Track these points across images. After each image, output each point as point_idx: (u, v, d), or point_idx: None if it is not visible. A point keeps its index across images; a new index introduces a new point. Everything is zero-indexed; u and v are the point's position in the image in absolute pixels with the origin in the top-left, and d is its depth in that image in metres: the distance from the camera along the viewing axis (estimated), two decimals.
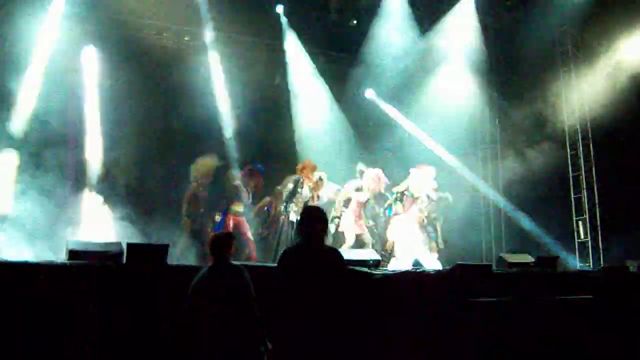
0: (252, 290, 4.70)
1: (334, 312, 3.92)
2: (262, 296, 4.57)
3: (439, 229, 10.18)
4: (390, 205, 10.02)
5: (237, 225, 9.27)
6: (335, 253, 4.30)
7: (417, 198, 9.77)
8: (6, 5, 9.92)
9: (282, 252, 4.32)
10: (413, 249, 9.16)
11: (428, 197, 9.88)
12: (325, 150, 11.84)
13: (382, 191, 10.00)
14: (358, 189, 9.81)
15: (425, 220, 9.83)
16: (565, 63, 12.02)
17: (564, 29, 12.05)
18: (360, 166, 10.26)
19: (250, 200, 9.63)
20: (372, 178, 9.77)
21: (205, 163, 9.74)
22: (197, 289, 4.73)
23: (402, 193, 9.88)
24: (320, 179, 9.49)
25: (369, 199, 9.80)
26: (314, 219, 4.25)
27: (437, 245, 10.03)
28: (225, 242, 4.99)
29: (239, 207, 9.39)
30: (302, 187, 9.31)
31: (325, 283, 3.98)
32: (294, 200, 9.24)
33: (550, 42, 12.24)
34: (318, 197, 9.47)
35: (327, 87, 12.98)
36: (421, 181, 9.86)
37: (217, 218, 9.37)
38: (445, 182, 10.77)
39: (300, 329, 3.88)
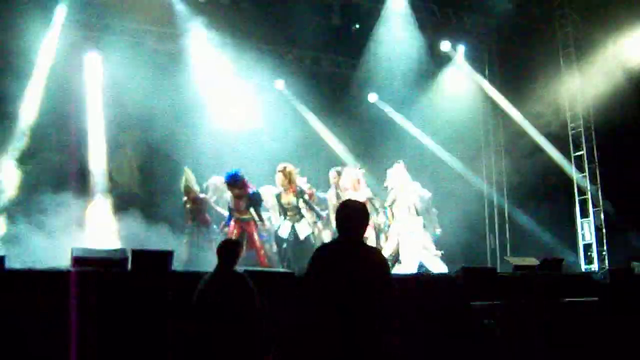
0: (256, 299, 4.63)
1: (375, 319, 3.51)
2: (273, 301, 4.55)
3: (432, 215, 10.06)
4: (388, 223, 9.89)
5: (243, 231, 9.01)
6: (378, 252, 3.90)
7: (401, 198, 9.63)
8: (9, 13, 9.93)
9: (318, 247, 3.90)
10: (417, 250, 9.11)
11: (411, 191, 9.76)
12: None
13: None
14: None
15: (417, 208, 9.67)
16: (568, 64, 12.01)
17: (567, 30, 12.05)
18: (334, 172, 10.16)
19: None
20: (349, 178, 9.66)
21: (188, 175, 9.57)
22: (200, 297, 4.69)
23: (392, 203, 9.75)
24: (285, 169, 9.19)
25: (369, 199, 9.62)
26: (355, 212, 3.75)
27: (435, 230, 9.94)
28: (232, 249, 4.95)
29: (244, 214, 9.10)
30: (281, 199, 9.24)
31: (366, 285, 3.53)
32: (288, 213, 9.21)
33: (553, 42, 12.23)
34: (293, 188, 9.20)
35: None
36: (401, 181, 9.72)
37: (225, 229, 9.31)
38: (449, 184, 10.76)
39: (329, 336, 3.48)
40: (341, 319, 3.43)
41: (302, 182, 9.55)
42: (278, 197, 9.29)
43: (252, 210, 9.04)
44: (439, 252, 9.55)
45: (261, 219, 9.16)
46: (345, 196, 9.63)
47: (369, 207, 9.26)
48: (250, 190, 9.07)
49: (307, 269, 3.70)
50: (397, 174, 9.67)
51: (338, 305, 3.46)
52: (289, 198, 9.21)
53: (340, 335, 3.42)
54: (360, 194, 9.42)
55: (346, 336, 3.42)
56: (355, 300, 3.46)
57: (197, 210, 9.37)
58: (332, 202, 9.91)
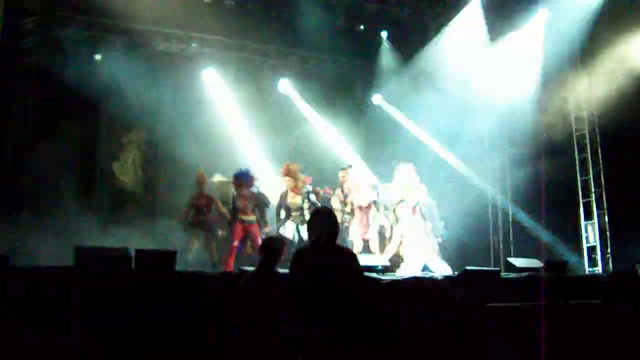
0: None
1: (351, 316, 3.75)
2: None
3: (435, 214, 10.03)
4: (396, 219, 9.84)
5: (248, 233, 8.95)
6: (350, 252, 4.19)
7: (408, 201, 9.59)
8: None
9: (294, 254, 4.14)
10: (421, 252, 9.09)
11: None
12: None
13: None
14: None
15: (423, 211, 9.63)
16: (573, 66, 11.97)
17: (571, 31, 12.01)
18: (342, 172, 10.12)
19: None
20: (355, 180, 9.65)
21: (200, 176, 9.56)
22: (242, 296, 4.63)
23: (399, 202, 9.70)
24: (288, 168, 9.17)
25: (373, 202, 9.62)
26: (324, 218, 4.08)
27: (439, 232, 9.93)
28: (275, 248, 4.85)
29: (247, 216, 8.99)
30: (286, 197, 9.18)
31: (342, 284, 3.81)
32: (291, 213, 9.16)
33: (558, 44, 12.20)
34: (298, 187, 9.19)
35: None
36: (409, 182, 9.66)
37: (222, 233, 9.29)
38: (452, 186, 10.74)
39: (315, 334, 3.72)
40: (320, 319, 3.68)
41: (307, 181, 9.54)
42: (283, 196, 9.23)
43: (257, 211, 9.01)
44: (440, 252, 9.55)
45: (265, 222, 9.13)
46: (349, 197, 9.63)
47: (372, 210, 9.39)
48: (256, 190, 9.06)
49: (289, 272, 3.99)
50: (406, 174, 9.61)
51: (315, 305, 3.71)
52: (295, 199, 9.17)
53: (322, 333, 3.66)
54: (363, 197, 9.42)
55: (328, 335, 3.65)
56: (331, 299, 3.71)
57: (206, 210, 9.33)
58: (339, 199, 9.89)
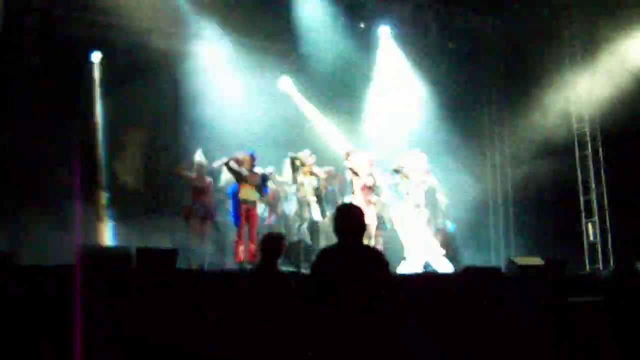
0: (296, 300, 4.39)
1: (379, 321, 3.59)
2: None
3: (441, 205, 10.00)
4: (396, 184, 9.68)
5: (247, 217, 8.75)
6: (377, 252, 4.02)
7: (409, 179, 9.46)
8: None
9: (319, 252, 3.96)
10: (423, 248, 9.08)
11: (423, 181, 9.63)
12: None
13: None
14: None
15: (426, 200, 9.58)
16: (574, 64, 11.97)
17: (573, 30, 12.01)
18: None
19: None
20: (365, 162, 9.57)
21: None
22: (246, 295, 4.59)
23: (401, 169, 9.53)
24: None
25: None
26: (350, 215, 3.87)
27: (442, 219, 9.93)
28: (275, 245, 4.77)
29: (248, 195, 8.79)
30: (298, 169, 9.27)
31: (370, 286, 3.64)
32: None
33: (559, 42, 12.20)
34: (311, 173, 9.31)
35: None
36: (415, 164, 9.58)
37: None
38: (453, 184, 10.73)
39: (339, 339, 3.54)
40: (345, 319, 3.51)
41: (320, 172, 9.60)
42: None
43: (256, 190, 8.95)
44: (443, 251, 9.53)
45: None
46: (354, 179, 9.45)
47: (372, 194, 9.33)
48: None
49: (310, 272, 3.81)
50: (417, 161, 9.52)
51: (341, 305, 3.54)
52: (310, 179, 9.27)
53: (345, 334, 3.49)
54: (368, 178, 9.30)
55: (351, 335, 3.48)
56: (358, 301, 3.55)
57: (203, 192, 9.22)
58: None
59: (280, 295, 4.48)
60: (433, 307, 6.27)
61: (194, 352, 5.30)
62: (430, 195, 9.60)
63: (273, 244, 4.77)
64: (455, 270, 8.57)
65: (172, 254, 5.98)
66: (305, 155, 9.43)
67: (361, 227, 3.85)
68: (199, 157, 9.41)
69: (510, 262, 7.83)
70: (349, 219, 3.83)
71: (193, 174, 9.15)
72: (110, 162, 11.11)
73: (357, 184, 9.30)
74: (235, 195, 8.89)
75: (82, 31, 10.90)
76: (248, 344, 4.46)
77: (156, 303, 5.41)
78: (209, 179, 9.29)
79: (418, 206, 9.30)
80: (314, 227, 9.37)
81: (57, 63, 10.20)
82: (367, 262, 3.72)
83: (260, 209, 9.59)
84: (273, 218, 9.92)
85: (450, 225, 10.30)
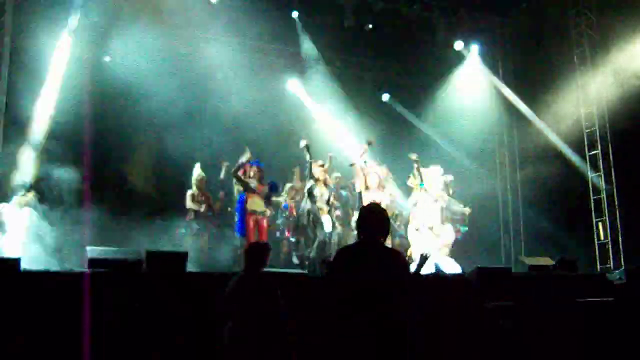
0: (281, 304, 4.59)
1: (397, 319, 3.63)
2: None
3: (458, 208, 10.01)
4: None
5: (257, 227, 8.78)
6: (397, 253, 4.05)
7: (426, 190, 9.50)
8: (24, 20, 10.02)
9: (338, 250, 4.05)
10: (433, 250, 9.06)
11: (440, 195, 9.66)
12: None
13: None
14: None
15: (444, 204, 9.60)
16: (582, 63, 11.91)
17: (581, 29, 11.96)
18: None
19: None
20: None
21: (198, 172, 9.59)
22: (230, 299, 4.64)
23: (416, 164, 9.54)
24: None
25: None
26: (374, 216, 3.92)
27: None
28: (260, 253, 4.89)
29: (256, 205, 8.85)
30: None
31: (387, 284, 3.66)
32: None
33: (568, 42, 12.15)
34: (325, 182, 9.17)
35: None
36: (433, 177, 9.62)
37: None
38: (463, 184, 10.72)
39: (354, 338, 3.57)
40: (362, 317, 3.53)
41: (331, 181, 9.60)
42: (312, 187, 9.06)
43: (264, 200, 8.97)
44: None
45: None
46: (364, 195, 9.49)
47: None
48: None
49: (329, 269, 3.96)
50: (436, 177, 9.62)
51: (359, 304, 3.56)
52: (322, 190, 9.09)
53: (363, 332, 3.51)
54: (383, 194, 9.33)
55: (369, 333, 3.50)
56: (376, 300, 3.57)
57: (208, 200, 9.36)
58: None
59: (264, 298, 4.57)
60: (442, 308, 6.26)
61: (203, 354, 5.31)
62: (447, 210, 9.67)
63: (257, 252, 4.89)
64: (463, 270, 8.55)
65: (182, 256, 5.99)
66: (316, 170, 9.16)
67: (384, 227, 3.89)
68: (197, 171, 9.50)
69: (520, 262, 7.82)
70: (372, 219, 3.89)
71: (197, 205, 9.32)
72: (121, 165, 11.15)
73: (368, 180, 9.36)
74: (242, 204, 8.93)
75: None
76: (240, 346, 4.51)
77: (166, 305, 5.43)
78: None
79: (431, 227, 9.33)
80: (326, 238, 9.15)
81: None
82: (386, 260, 3.75)
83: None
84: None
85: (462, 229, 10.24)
